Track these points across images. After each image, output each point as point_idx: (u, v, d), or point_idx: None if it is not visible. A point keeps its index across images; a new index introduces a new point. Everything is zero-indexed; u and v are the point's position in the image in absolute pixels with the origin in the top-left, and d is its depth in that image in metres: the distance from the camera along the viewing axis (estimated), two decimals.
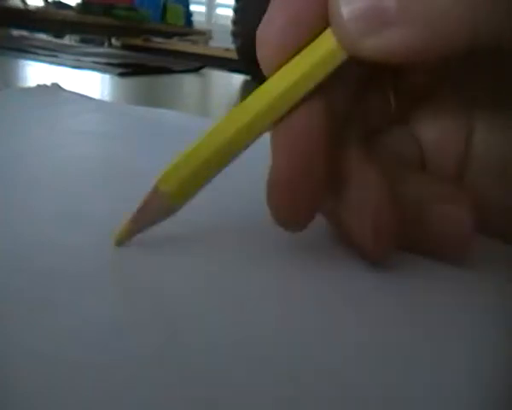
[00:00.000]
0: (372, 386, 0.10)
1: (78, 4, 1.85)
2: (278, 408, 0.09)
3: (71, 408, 0.09)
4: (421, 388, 0.10)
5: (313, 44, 0.12)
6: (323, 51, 0.12)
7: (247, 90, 0.59)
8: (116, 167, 0.21)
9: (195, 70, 0.66)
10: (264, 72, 0.13)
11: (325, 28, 0.12)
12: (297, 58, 0.12)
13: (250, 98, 0.13)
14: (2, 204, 0.16)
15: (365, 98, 0.15)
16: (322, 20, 0.12)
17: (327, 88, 0.12)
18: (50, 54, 0.62)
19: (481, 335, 0.12)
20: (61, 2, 1.79)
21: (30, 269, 0.13)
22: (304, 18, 0.12)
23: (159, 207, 0.14)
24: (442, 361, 0.11)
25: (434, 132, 0.15)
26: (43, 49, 0.65)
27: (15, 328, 0.10)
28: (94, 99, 0.36)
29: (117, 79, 0.51)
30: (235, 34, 0.61)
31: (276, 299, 0.13)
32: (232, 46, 0.67)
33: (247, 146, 0.13)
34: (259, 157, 0.15)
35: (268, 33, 0.12)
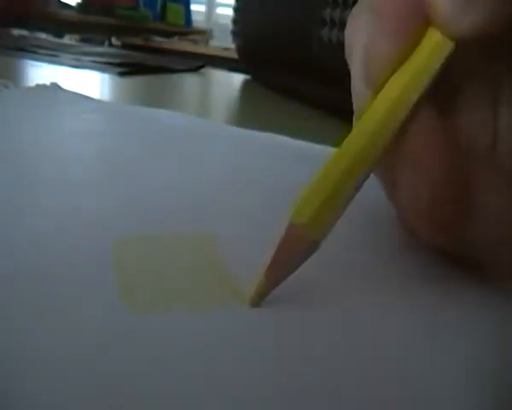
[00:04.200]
0: None
1: (78, 4, 1.85)
2: None
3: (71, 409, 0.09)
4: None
5: (418, 48, 0.12)
6: (431, 47, 0.12)
7: (247, 89, 0.59)
8: (116, 167, 0.21)
9: (195, 69, 0.66)
10: (372, 82, 0.13)
11: (425, 31, 0.12)
12: (405, 64, 0.12)
13: (374, 107, 0.13)
14: (2, 204, 0.16)
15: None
16: (425, 21, 0.12)
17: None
18: (50, 53, 0.62)
19: None
20: (61, 2, 1.78)
21: (30, 269, 0.13)
22: (409, 21, 0.12)
23: (299, 247, 0.12)
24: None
25: (463, 122, 0.14)
26: (43, 48, 0.65)
27: (15, 329, 0.10)
28: (93, 99, 0.36)
29: (117, 78, 0.51)
30: (235, 34, 0.61)
31: None
32: (232, 46, 0.67)
33: (378, 158, 0.12)
34: None
35: (376, 43, 0.13)
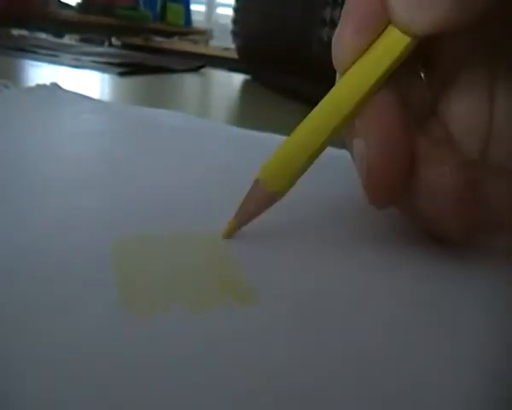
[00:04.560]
0: None
1: (78, 4, 1.85)
2: None
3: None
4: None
5: (378, 40, 0.14)
6: (387, 42, 0.14)
7: (247, 89, 0.59)
8: (116, 167, 0.21)
9: (195, 69, 0.66)
10: (339, 70, 0.15)
11: (386, 27, 0.14)
12: (367, 54, 0.14)
13: (334, 89, 0.15)
14: (2, 204, 0.16)
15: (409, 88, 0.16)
16: (384, 21, 0.14)
17: (394, 80, 0.14)
18: (50, 53, 0.62)
19: None
20: (61, 2, 1.78)
21: (30, 269, 0.13)
22: (370, 21, 0.14)
23: (261, 197, 0.15)
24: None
25: (459, 113, 0.16)
26: (43, 48, 0.65)
27: (15, 329, 0.10)
28: (93, 99, 0.36)
29: (117, 78, 0.51)
30: (235, 34, 0.61)
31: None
32: (232, 46, 0.67)
33: (336, 132, 0.15)
34: None
35: (343, 38, 0.15)
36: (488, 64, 0.15)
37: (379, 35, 0.14)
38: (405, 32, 0.14)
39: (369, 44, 0.14)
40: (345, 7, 0.15)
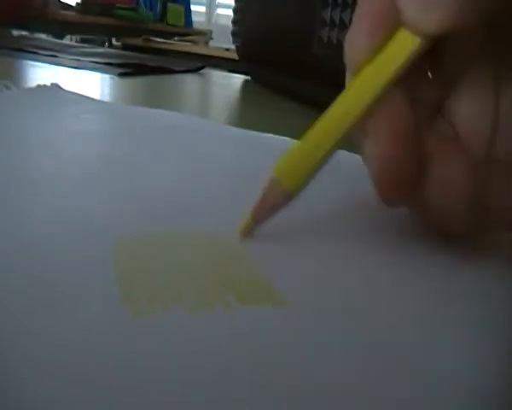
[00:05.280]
0: None
1: (78, 4, 1.85)
2: None
3: None
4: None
5: (389, 42, 0.14)
6: (398, 42, 0.14)
7: (247, 90, 0.59)
8: (116, 167, 0.21)
9: (195, 70, 0.66)
10: (351, 69, 0.15)
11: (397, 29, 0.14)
12: (379, 55, 0.14)
13: (347, 89, 0.15)
14: (2, 203, 0.16)
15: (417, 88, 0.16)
16: (395, 21, 0.14)
17: (403, 80, 0.14)
18: (50, 54, 0.62)
19: None
20: (61, 3, 1.78)
21: (29, 269, 0.13)
22: (383, 22, 0.14)
23: (278, 195, 0.15)
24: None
25: (465, 113, 0.16)
26: (43, 49, 0.65)
27: (15, 329, 0.10)
28: (94, 99, 0.36)
29: (117, 79, 0.51)
30: (235, 34, 0.61)
31: None
32: (232, 46, 0.67)
33: (349, 132, 0.15)
34: None
35: (356, 38, 0.15)
36: (493, 64, 0.16)
37: (390, 36, 0.14)
38: (416, 33, 0.14)
39: (382, 45, 0.14)
40: (357, 7, 0.15)
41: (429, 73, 0.17)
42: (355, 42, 0.15)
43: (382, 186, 0.15)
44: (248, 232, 0.15)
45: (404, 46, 0.14)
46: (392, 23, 0.14)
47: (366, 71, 0.15)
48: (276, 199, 0.15)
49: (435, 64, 0.17)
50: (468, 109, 0.16)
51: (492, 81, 0.16)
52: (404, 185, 0.15)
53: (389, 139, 0.14)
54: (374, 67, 0.14)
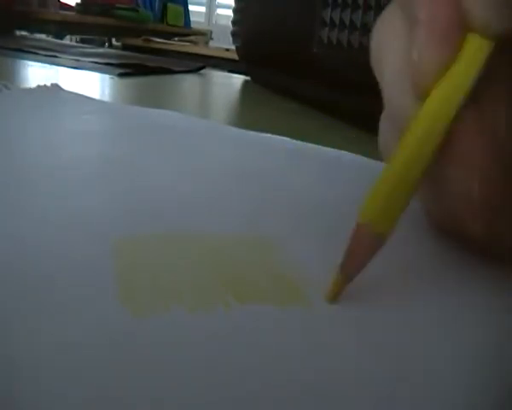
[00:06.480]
0: None
1: (78, 4, 1.85)
2: None
3: None
4: None
5: (460, 53, 0.13)
6: (472, 50, 0.13)
7: (246, 90, 0.59)
8: (116, 168, 0.21)
9: (195, 70, 0.66)
10: (422, 88, 0.14)
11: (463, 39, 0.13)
12: (452, 66, 0.13)
13: (425, 110, 0.14)
14: (2, 203, 0.16)
15: None
16: (464, 28, 0.13)
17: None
18: (50, 54, 0.62)
19: None
20: (61, 3, 1.78)
21: (29, 269, 0.13)
22: (453, 32, 0.13)
23: (369, 242, 0.13)
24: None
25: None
26: (43, 49, 0.65)
27: (15, 329, 0.10)
28: (94, 99, 0.36)
29: (117, 79, 0.51)
30: (235, 35, 0.61)
31: None
32: (232, 46, 0.67)
33: (430, 159, 0.13)
34: None
35: (425, 52, 0.13)
36: None
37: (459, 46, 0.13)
38: (486, 34, 0.13)
39: (454, 57, 0.13)
40: (402, 9, 0.14)
41: None
42: (424, 57, 0.13)
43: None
44: (340, 291, 0.13)
45: (477, 53, 0.13)
46: (462, 31, 0.13)
47: (442, 89, 0.13)
48: (368, 247, 0.13)
49: None
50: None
51: None
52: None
53: (487, 166, 0.13)
54: (450, 80, 0.13)
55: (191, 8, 2.41)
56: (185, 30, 2.28)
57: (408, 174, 0.13)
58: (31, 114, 0.29)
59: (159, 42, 1.92)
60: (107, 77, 0.52)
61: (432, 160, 0.13)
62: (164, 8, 2.17)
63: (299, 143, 0.29)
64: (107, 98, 0.41)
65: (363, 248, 0.13)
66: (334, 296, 0.13)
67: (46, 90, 0.36)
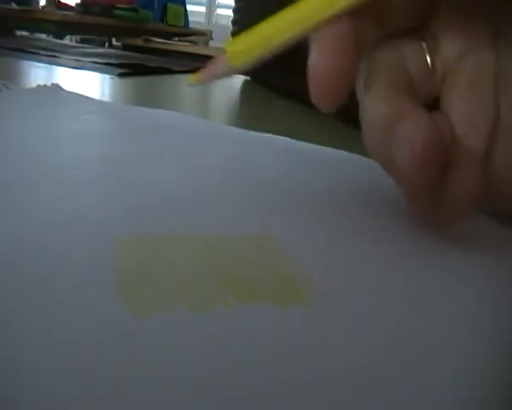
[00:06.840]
0: None
1: (78, 4, 1.85)
2: None
3: None
4: None
5: None
6: None
7: (246, 90, 0.59)
8: (116, 167, 0.21)
9: (195, 70, 0.66)
10: None
11: None
12: None
13: None
14: (2, 204, 0.16)
15: None
16: None
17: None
18: (50, 54, 0.62)
19: None
20: (61, 3, 1.79)
21: (29, 269, 0.13)
22: None
23: (223, 66, 0.18)
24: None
25: (463, 109, 0.16)
26: (44, 49, 0.65)
27: (14, 329, 0.10)
28: (94, 99, 0.36)
29: (117, 79, 0.51)
30: (235, 34, 0.61)
31: None
32: None
33: (305, 32, 0.17)
34: None
35: None
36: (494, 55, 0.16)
37: None
38: None
39: None
40: None
41: (428, 60, 0.17)
42: None
43: (316, 91, 0.17)
44: (192, 84, 0.19)
45: None
46: None
47: None
48: (222, 69, 0.18)
49: (432, 51, 0.17)
50: (466, 105, 0.16)
51: (493, 77, 0.15)
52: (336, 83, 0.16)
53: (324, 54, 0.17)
54: None
55: (191, 8, 2.41)
56: (185, 30, 2.28)
57: (276, 34, 0.18)
58: (31, 114, 0.29)
59: (159, 42, 1.92)
60: (107, 77, 0.52)
61: (300, 34, 0.17)
62: (164, 9, 2.17)
63: (299, 143, 0.29)
64: (107, 98, 0.41)
65: (216, 69, 0.18)
66: (191, 85, 0.19)
67: (46, 90, 0.36)
